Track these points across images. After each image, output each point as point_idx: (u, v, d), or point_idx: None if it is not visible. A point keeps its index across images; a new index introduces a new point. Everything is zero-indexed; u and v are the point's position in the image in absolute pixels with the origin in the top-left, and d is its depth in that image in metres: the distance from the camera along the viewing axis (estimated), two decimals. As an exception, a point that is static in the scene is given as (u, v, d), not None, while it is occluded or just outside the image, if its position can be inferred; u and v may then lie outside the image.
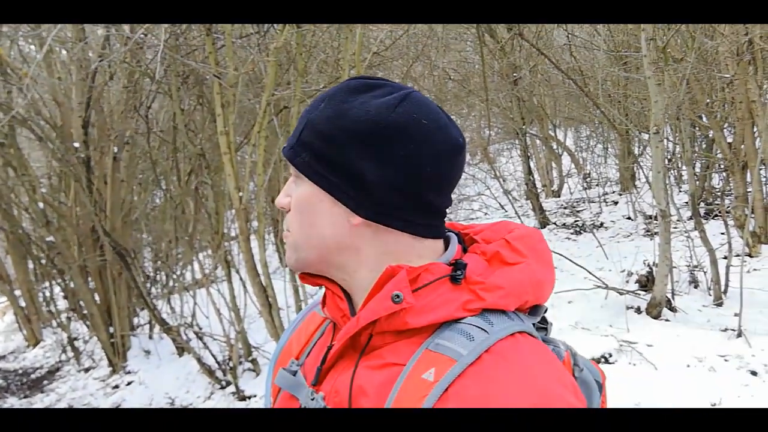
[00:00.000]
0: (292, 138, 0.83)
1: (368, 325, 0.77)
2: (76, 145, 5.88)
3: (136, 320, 7.23)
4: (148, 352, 6.59)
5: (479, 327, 0.73)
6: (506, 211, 10.01)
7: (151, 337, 6.95)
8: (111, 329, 6.48)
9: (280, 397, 0.90)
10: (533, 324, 0.81)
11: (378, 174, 0.77)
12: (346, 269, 0.83)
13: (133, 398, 5.72)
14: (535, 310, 0.82)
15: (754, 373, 3.67)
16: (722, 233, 6.04)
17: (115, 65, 5.47)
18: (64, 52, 6.56)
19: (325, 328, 0.93)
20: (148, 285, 7.06)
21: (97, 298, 6.61)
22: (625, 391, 3.59)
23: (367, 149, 0.77)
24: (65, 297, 7.92)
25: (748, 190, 6.04)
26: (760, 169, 5.91)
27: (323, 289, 0.88)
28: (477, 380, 0.68)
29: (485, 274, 0.78)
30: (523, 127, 8.72)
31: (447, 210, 0.85)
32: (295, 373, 0.87)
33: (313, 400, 0.81)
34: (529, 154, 9.46)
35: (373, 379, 0.75)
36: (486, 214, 10.25)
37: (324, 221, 0.81)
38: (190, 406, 5.23)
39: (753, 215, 5.88)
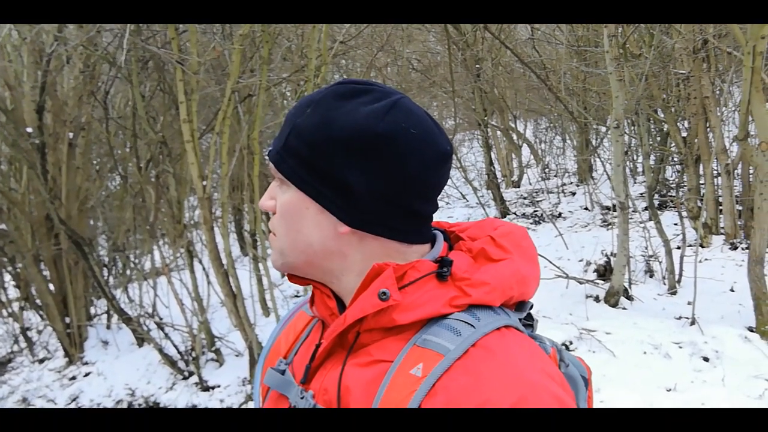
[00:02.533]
0: (277, 142, 0.83)
1: (355, 322, 0.77)
2: (29, 130, 5.67)
3: (93, 310, 7.05)
4: (106, 343, 6.44)
5: (466, 322, 0.74)
6: (468, 201, 10.13)
7: (109, 327, 6.79)
8: (67, 319, 6.31)
9: (269, 397, 0.90)
10: (520, 320, 0.82)
11: (365, 184, 0.77)
12: (333, 273, 0.83)
13: (91, 390, 5.59)
14: (520, 306, 0.83)
15: (706, 359, 3.83)
16: (676, 224, 6.27)
17: (71, 49, 5.28)
18: (14, 33, 6.30)
19: (312, 326, 0.93)
20: (106, 274, 6.89)
21: (52, 287, 6.42)
22: (585, 377, 3.70)
23: (354, 159, 0.76)
24: (17, 286, 7.67)
25: (701, 182, 6.27)
26: (712, 163, 6.13)
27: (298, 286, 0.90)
28: (464, 374, 0.69)
29: (471, 271, 0.79)
30: (485, 118, 8.82)
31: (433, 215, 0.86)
32: (283, 372, 0.87)
33: (302, 398, 0.81)
34: (490, 145, 9.58)
35: (362, 376, 0.75)
36: (448, 203, 10.34)
37: (310, 228, 0.81)
38: (152, 398, 5.15)
39: (705, 207, 6.10)
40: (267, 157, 0.84)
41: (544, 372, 0.72)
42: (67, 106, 6.09)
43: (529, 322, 0.86)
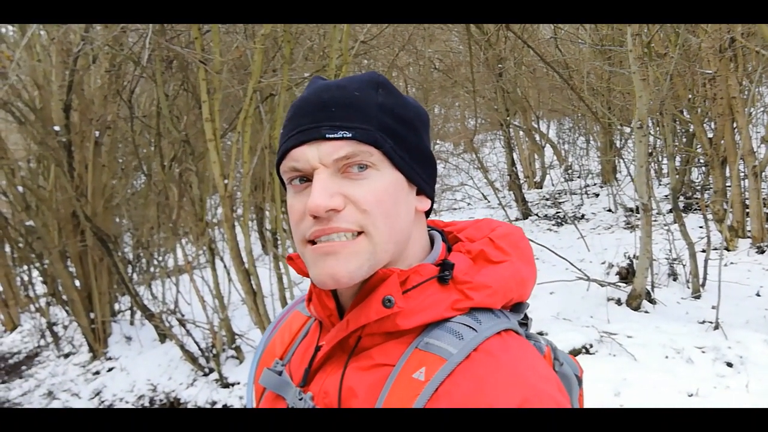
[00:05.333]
0: (361, 121, 0.75)
1: (358, 327, 0.77)
2: (57, 128, 5.79)
3: (117, 306, 7.17)
4: (129, 339, 6.54)
5: (468, 326, 0.74)
6: (489, 202, 10.08)
7: (132, 324, 6.90)
8: (92, 315, 6.43)
9: (264, 397, 0.89)
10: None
11: (434, 159, 0.85)
12: (399, 260, 0.80)
13: (114, 385, 5.68)
14: (517, 307, 0.83)
15: (729, 365, 3.75)
16: (701, 227, 6.16)
17: (97, 49, 5.37)
18: (43, 33, 6.43)
19: (309, 326, 0.92)
20: (130, 271, 7.00)
21: (77, 283, 6.54)
22: (604, 381, 3.66)
23: (428, 135, 0.84)
24: (44, 282, 7.83)
25: (727, 185, 6.15)
26: (739, 165, 6.01)
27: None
28: (467, 379, 0.69)
29: (471, 273, 0.79)
30: (507, 118, 8.76)
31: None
32: (280, 373, 0.86)
33: (301, 400, 0.80)
34: (512, 146, 9.52)
35: (363, 380, 0.75)
36: (469, 204, 10.30)
37: (404, 211, 0.78)
38: (173, 393, 5.22)
39: (731, 210, 5.99)
40: (344, 138, 0.74)
41: (544, 377, 0.72)
42: (93, 105, 6.20)
43: (524, 321, 0.86)
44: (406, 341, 0.75)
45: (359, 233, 0.74)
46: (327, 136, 0.74)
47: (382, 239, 0.75)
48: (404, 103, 0.81)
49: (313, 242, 0.75)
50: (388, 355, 0.75)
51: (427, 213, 0.87)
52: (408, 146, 0.79)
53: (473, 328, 0.73)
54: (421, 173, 0.81)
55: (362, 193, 0.74)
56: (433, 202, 0.85)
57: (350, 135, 0.74)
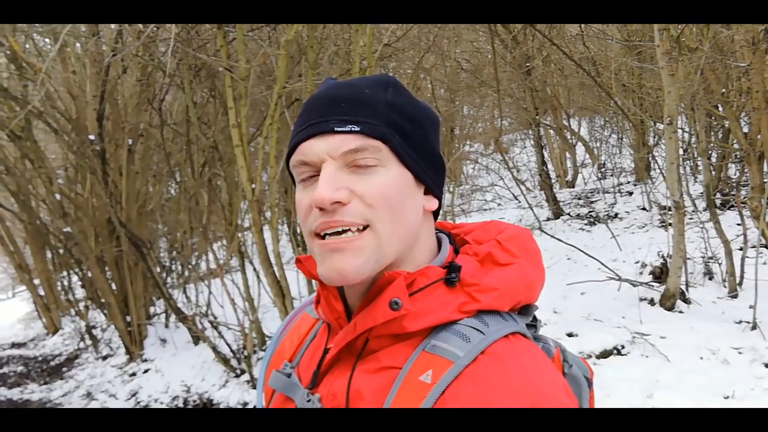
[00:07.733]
0: (370, 116, 0.77)
1: (365, 330, 0.77)
2: (92, 137, 5.95)
3: (152, 309, 7.33)
4: (164, 341, 6.68)
5: (475, 328, 0.73)
6: (519, 202, 9.98)
7: (167, 326, 7.04)
8: (128, 318, 6.59)
9: (274, 399, 0.89)
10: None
11: (443, 161, 0.85)
12: (404, 261, 0.80)
13: (149, 386, 5.81)
14: (525, 309, 0.82)
15: (767, 366, 3.65)
16: (738, 224, 5.98)
17: (128, 59, 5.50)
18: (77, 45, 6.61)
19: (317, 329, 0.92)
20: (164, 275, 7.15)
21: (114, 287, 6.71)
22: (637, 382, 3.59)
23: (437, 137, 0.85)
24: (83, 286, 8.05)
25: (765, 180, 5.97)
26: (777, 160, 5.83)
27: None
28: (473, 382, 0.69)
29: (478, 276, 0.78)
30: (537, 117, 8.67)
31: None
32: (289, 375, 0.86)
33: (309, 402, 0.80)
34: (542, 144, 9.41)
35: (371, 382, 0.75)
36: (499, 204, 10.22)
37: (409, 209, 0.78)
38: (206, 394, 5.31)
39: (769, 206, 5.80)
40: (352, 131, 0.75)
41: (551, 381, 0.71)
42: (125, 114, 6.36)
43: (532, 323, 0.85)
44: (413, 344, 0.75)
45: (365, 227, 0.74)
46: (335, 129, 0.75)
47: (387, 234, 0.75)
48: (414, 103, 0.82)
49: (321, 236, 0.76)
50: (395, 358, 0.75)
51: (435, 215, 0.86)
52: (415, 144, 0.79)
53: (480, 331, 0.73)
54: (428, 172, 0.81)
55: (368, 188, 0.74)
56: (440, 203, 0.85)
57: (358, 129, 0.75)
